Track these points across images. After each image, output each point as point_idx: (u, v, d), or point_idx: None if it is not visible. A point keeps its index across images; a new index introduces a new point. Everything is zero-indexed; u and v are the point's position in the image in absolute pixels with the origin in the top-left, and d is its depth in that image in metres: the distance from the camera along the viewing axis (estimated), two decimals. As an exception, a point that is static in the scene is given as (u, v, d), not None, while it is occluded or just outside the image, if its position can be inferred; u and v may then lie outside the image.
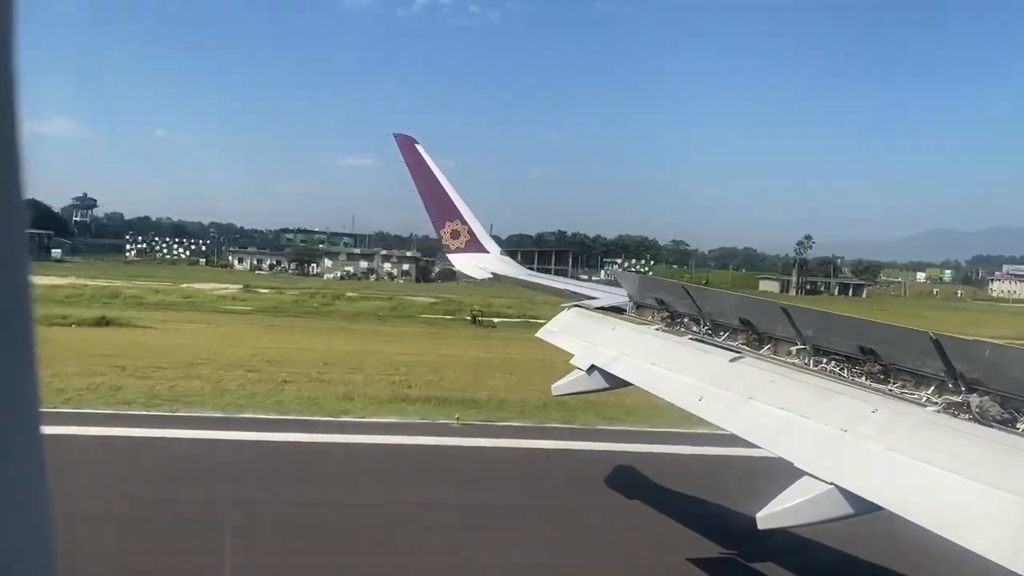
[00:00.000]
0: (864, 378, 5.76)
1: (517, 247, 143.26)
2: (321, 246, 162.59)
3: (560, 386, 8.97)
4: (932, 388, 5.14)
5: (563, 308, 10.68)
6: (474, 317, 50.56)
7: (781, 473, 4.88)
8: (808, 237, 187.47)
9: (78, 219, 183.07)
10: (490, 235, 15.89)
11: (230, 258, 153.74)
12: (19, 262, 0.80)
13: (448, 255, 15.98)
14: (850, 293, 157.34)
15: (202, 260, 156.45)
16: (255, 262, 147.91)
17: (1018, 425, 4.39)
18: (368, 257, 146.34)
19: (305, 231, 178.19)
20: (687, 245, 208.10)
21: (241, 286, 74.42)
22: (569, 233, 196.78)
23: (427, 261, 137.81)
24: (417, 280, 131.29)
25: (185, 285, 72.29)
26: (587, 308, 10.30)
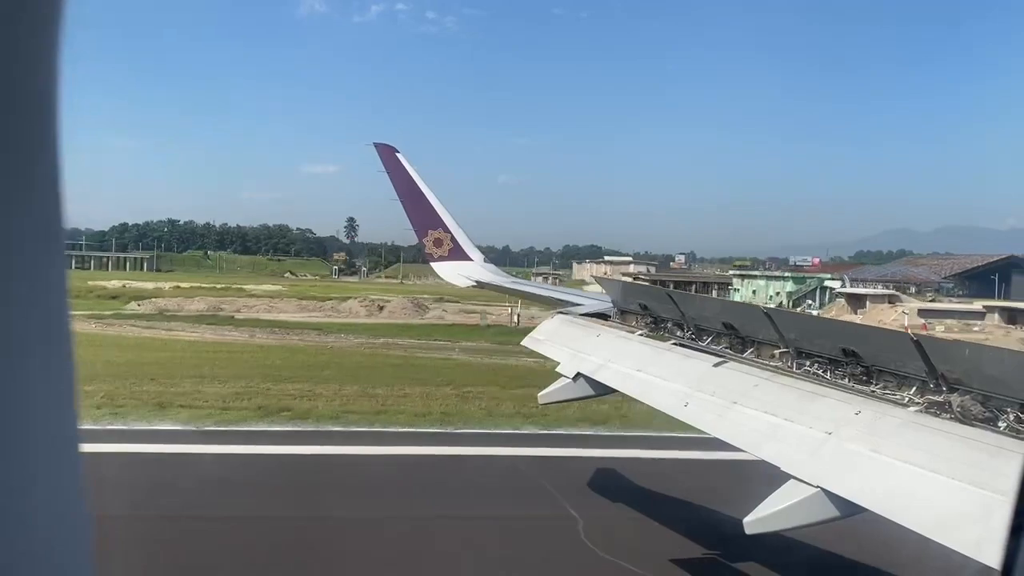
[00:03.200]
0: (847, 380, 5.81)
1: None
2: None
3: (546, 394, 8.96)
4: (914, 388, 5.20)
5: (548, 315, 10.70)
6: None
7: (769, 477, 4.90)
8: (352, 219, 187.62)
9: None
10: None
11: None
12: (58, 278, 0.81)
13: (431, 263, 15.97)
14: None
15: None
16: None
17: (999, 424, 4.45)
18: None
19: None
20: (313, 233, 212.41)
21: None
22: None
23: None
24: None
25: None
26: (572, 315, 10.32)
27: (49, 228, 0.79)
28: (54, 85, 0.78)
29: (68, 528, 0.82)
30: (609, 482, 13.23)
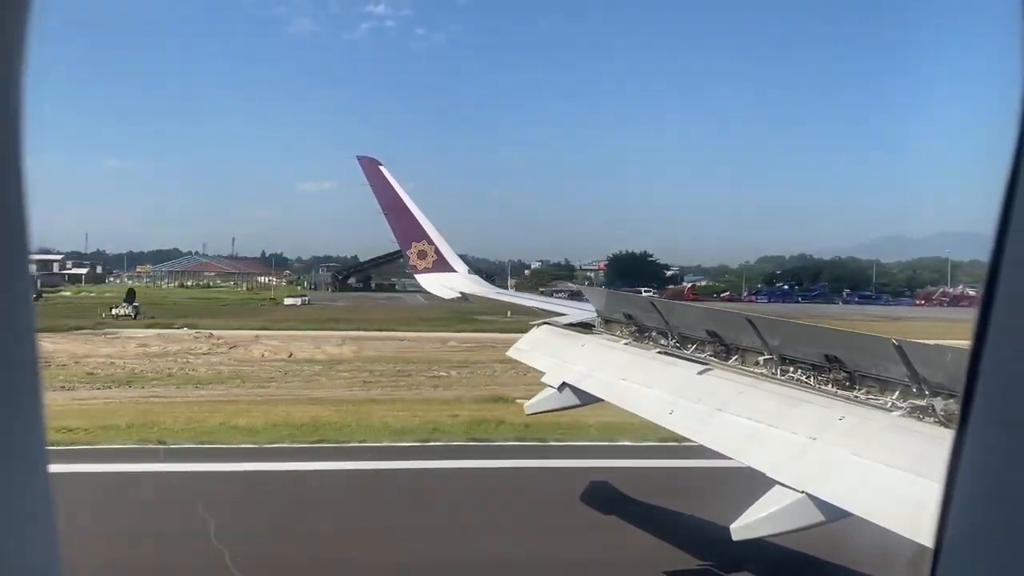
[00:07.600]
0: (830, 385, 5.83)
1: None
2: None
3: (532, 404, 8.96)
4: (897, 393, 5.22)
5: (532, 326, 10.69)
6: None
7: (755, 483, 4.91)
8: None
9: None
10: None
11: None
12: (21, 282, 0.78)
13: (415, 275, 15.93)
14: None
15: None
16: None
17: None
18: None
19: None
20: (105, 251, 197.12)
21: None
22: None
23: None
24: None
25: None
26: (556, 325, 10.32)
27: (14, 246, 0.77)
28: (18, 102, 0.76)
29: (35, 539, 0.81)
30: (596, 492, 13.19)
